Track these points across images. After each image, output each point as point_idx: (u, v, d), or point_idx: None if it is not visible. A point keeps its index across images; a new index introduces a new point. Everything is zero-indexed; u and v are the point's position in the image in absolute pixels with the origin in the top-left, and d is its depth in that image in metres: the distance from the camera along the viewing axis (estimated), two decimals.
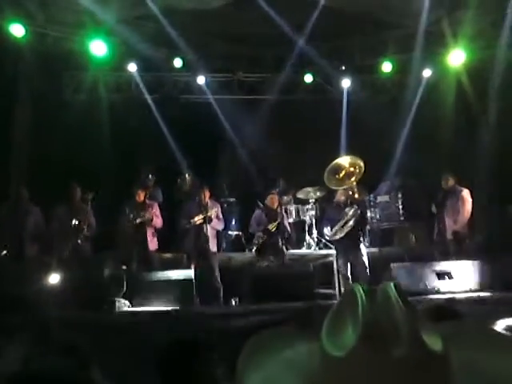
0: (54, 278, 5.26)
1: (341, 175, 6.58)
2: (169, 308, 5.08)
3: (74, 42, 8.13)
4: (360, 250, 6.44)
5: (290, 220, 8.05)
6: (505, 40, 7.77)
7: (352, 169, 6.63)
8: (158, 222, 6.84)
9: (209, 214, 6.55)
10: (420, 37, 8.34)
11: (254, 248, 7.10)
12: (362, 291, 0.82)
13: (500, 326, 2.39)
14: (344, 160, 6.80)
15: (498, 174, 8.07)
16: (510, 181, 7.56)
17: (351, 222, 6.33)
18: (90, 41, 7.98)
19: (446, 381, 0.74)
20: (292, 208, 8.34)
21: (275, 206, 7.21)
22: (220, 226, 6.97)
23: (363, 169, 6.56)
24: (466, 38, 8.20)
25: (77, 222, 6.44)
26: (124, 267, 5.99)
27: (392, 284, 0.85)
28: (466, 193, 6.93)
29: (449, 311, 2.96)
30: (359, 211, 6.41)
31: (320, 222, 7.60)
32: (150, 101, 8.98)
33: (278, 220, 7.06)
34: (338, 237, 6.39)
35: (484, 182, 7.99)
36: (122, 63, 8.80)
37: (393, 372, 0.72)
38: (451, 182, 7.00)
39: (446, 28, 8.10)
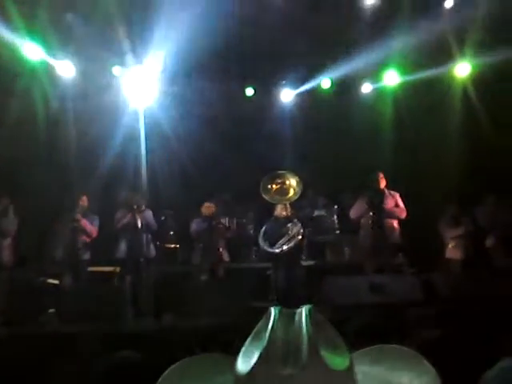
0: None
1: (276, 186, 6.58)
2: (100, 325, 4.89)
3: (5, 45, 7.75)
4: (300, 264, 6.54)
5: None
6: (429, 63, 8.22)
7: (291, 189, 6.63)
8: (94, 231, 6.70)
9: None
10: (358, 55, 8.64)
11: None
12: (277, 313, 0.84)
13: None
14: (290, 175, 6.76)
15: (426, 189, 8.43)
16: (438, 197, 7.91)
17: (296, 239, 6.38)
18: (23, 43, 7.64)
19: None
20: (232, 220, 8.33)
21: (209, 214, 7.20)
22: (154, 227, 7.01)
23: (297, 195, 6.60)
24: (400, 58, 8.59)
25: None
26: (54, 281, 5.74)
27: (307, 307, 0.87)
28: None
29: (379, 327, 3.04)
30: (302, 228, 6.48)
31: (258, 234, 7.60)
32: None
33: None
34: (280, 251, 6.38)
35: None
36: (60, 68, 8.49)
37: None
38: (384, 181, 6.79)
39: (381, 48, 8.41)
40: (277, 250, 6.41)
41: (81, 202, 6.69)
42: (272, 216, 6.80)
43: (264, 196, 6.60)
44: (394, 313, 5.07)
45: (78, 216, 6.58)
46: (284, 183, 6.64)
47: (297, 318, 0.85)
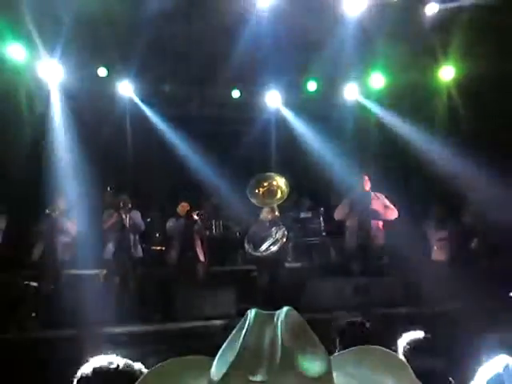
0: None
1: (263, 189, 6.48)
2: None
3: None
4: (284, 266, 6.51)
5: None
6: (415, 67, 8.32)
7: (278, 190, 6.53)
8: (73, 230, 6.64)
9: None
10: (344, 59, 8.68)
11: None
12: (253, 316, 0.83)
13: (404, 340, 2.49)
14: (277, 177, 6.66)
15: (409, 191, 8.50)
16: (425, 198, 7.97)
17: (281, 242, 6.34)
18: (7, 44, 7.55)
19: None
20: (218, 223, 8.32)
21: (184, 213, 7.11)
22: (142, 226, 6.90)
23: (286, 196, 6.52)
24: (385, 62, 8.66)
25: None
26: (35, 284, 5.65)
27: (284, 310, 0.85)
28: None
29: (360, 327, 3.06)
30: (286, 232, 6.43)
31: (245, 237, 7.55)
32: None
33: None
34: (265, 254, 6.35)
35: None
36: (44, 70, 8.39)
37: None
38: (369, 183, 6.74)
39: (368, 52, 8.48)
40: (260, 254, 6.37)
41: (59, 203, 6.59)
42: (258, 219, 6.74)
43: (251, 199, 6.47)
44: (378, 313, 5.11)
45: (56, 214, 6.47)
46: (271, 185, 6.56)
47: (274, 320, 0.83)
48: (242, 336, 0.77)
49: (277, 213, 6.63)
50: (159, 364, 0.92)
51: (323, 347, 0.85)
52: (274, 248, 6.31)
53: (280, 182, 6.57)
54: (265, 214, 6.60)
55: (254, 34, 7.83)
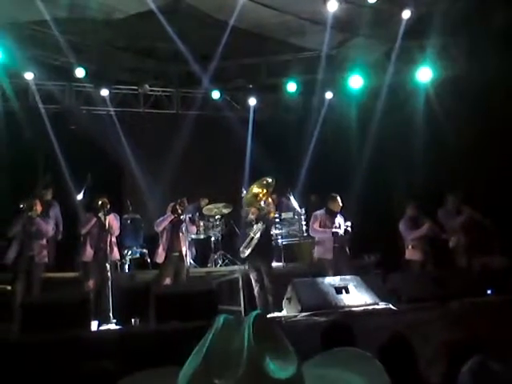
0: None
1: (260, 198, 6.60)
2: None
3: None
4: (271, 265, 6.51)
5: (193, 236, 7.94)
6: (393, 69, 8.40)
7: (265, 190, 6.65)
8: (50, 229, 6.53)
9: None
10: (323, 60, 8.75)
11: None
12: (221, 321, 0.84)
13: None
14: (256, 187, 6.75)
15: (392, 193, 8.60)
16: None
17: (256, 237, 6.34)
18: None
19: None
20: (200, 224, 8.27)
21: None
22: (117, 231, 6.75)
23: (272, 183, 6.64)
24: (364, 64, 8.76)
25: None
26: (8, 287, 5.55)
27: (254, 314, 0.87)
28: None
29: (343, 326, 3.09)
30: (264, 226, 6.42)
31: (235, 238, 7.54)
32: (43, 111, 8.52)
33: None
34: (246, 253, 6.34)
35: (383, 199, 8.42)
36: (19, 70, 8.30)
37: None
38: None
39: (346, 54, 8.55)
40: (246, 253, 6.36)
41: (34, 206, 6.47)
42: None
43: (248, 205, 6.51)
44: (357, 312, 5.15)
45: (32, 214, 6.35)
46: (261, 193, 6.63)
47: (242, 325, 0.85)
48: (208, 341, 0.78)
49: (263, 211, 6.54)
50: (128, 377, 0.92)
51: (293, 350, 0.86)
52: (253, 242, 6.29)
53: (261, 183, 6.66)
54: (250, 214, 6.56)
55: (235, 36, 7.84)
